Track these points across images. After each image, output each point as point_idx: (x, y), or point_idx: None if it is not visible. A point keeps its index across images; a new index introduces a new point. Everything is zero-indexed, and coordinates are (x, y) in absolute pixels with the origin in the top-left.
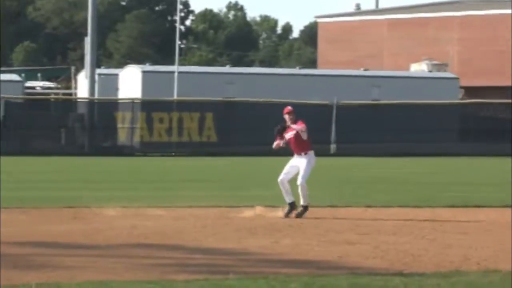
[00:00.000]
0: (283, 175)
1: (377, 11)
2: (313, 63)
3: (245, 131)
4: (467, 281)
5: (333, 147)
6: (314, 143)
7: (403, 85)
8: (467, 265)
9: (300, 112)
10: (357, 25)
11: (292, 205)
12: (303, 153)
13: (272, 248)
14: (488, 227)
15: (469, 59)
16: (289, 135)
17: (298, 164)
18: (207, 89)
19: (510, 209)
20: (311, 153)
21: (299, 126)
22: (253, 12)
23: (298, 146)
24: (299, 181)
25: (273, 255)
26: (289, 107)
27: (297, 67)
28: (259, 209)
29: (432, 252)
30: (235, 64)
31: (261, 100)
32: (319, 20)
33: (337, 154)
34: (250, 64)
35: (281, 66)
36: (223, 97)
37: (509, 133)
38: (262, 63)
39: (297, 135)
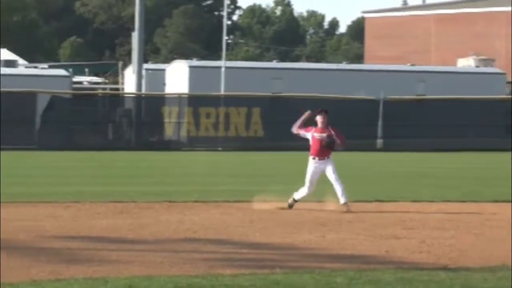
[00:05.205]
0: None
1: (424, 7)
2: (360, 58)
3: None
4: None
5: (379, 142)
6: (362, 138)
7: (450, 80)
8: None
9: (345, 107)
10: (404, 20)
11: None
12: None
13: (318, 242)
14: None
15: None
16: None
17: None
18: (255, 84)
19: None
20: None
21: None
22: (300, 8)
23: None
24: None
25: (319, 249)
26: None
27: (344, 62)
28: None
29: (479, 247)
30: (282, 59)
31: (309, 95)
32: (366, 15)
33: (384, 149)
34: (296, 59)
35: (327, 62)
36: (271, 92)
37: None
38: (309, 58)
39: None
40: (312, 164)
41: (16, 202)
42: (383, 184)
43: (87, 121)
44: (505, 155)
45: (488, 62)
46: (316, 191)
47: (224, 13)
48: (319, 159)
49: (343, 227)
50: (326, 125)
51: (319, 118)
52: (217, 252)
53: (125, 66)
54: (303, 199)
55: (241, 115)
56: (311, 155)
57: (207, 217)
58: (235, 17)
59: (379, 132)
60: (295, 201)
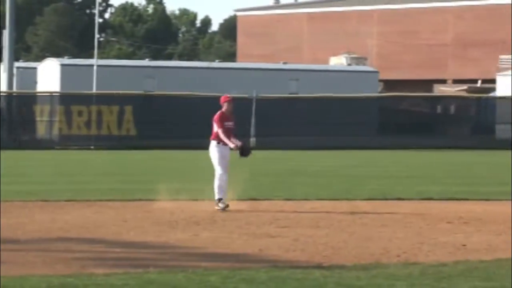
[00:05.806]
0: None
1: (296, 5)
2: (232, 57)
3: (164, 124)
4: (387, 273)
5: (252, 140)
6: (234, 136)
7: (322, 79)
8: (387, 257)
9: (217, 105)
10: (277, 18)
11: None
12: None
13: (192, 241)
14: (407, 220)
15: (388, 52)
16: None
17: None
18: (127, 83)
19: (429, 201)
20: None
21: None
22: (172, 6)
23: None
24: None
25: (192, 248)
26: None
27: (217, 61)
28: None
29: (352, 245)
30: (154, 57)
31: (182, 93)
32: (238, 13)
33: (256, 147)
34: (169, 57)
35: (200, 60)
36: (143, 90)
37: (428, 126)
38: (182, 57)
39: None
40: (216, 148)
41: None
42: (256, 182)
43: None
44: (377, 153)
45: (360, 60)
46: (190, 190)
47: (96, 11)
48: (223, 144)
49: (217, 225)
50: (231, 113)
51: (226, 106)
52: (90, 251)
53: None
54: (224, 188)
55: (113, 114)
56: (216, 140)
57: (80, 216)
58: (107, 15)
59: (252, 130)
60: (219, 200)
